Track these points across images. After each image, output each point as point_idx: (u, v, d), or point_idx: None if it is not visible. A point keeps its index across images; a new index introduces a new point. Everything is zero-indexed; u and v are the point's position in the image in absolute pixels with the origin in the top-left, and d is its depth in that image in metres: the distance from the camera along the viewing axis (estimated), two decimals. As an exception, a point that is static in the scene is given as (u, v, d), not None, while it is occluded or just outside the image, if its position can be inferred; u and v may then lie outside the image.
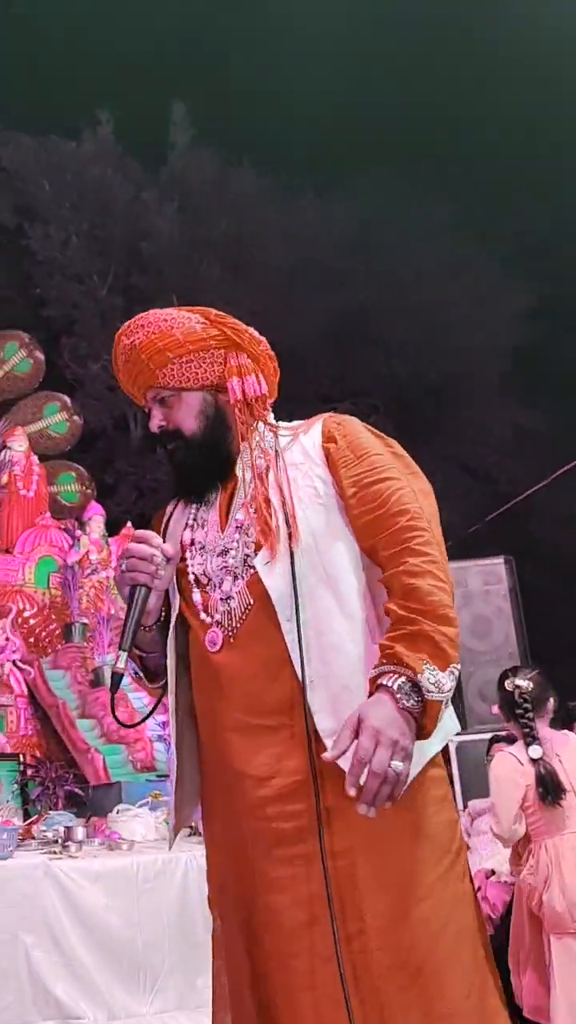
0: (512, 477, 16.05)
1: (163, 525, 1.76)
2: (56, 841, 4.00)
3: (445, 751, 5.19)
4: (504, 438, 17.43)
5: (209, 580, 1.62)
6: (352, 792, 1.33)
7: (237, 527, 1.62)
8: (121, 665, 1.55)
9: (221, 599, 1.60)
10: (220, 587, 1.60)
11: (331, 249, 17.58)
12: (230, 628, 1.58)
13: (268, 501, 1.61)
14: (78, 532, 8.24)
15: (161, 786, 5.46)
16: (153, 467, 16.54)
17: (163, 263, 15.81)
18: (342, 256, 17.51)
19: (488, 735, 4.05)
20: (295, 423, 1.77)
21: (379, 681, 1.40)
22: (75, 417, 10.25)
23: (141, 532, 1.63)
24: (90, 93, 17.63)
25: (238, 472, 1.68)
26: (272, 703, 1.52)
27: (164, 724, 6.71)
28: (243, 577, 1.59)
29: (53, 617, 7.63)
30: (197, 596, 1.62)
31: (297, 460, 1.66)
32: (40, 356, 10.24)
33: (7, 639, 6.56)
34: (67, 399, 10.40)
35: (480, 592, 5.42)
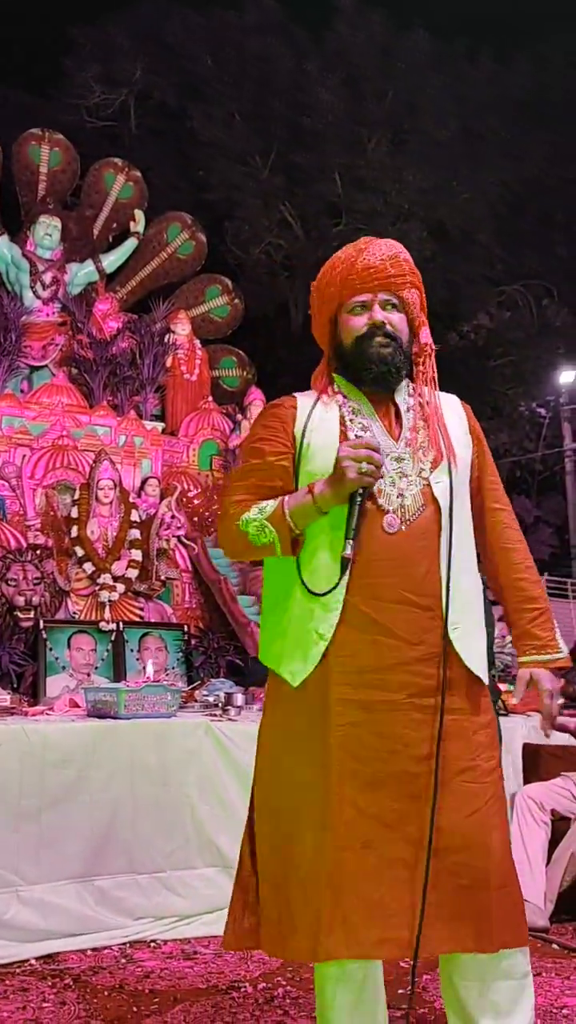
0: None
1: (306, 419, 2.05)
2: (216, 705, 4.24)
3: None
4: None
5: (383, 477, 1.95)
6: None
7: (408, 443, 2.00)
8: (348, 552, 1.88)
9: (396, 495, 1.95)
10: (394, 485, 1.96)
11: (505, 120, 16.42)
12: (405, 519, 1.95)
13: (445, 430, 2.03)
14: (239, 416, 8.39)
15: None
16: (314, 356, 16.44)
17: (326, 140, 15.27)
18: (517, 128, 16.34)
19: None
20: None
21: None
22: (236, 301, 10.23)
23: (370, 439, 1.95)
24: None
25: (400, 399, 2.05)
26: (428, 588, 1.93)
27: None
28: (417, 484, 1.97)
29: (215, 498, 7.88)
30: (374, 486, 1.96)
31: (452, 415, 2.09)
32: (203, 238, 10.20)
33: (173, 516, 6.85)
34: (228, 282, 10.34)
35: None
